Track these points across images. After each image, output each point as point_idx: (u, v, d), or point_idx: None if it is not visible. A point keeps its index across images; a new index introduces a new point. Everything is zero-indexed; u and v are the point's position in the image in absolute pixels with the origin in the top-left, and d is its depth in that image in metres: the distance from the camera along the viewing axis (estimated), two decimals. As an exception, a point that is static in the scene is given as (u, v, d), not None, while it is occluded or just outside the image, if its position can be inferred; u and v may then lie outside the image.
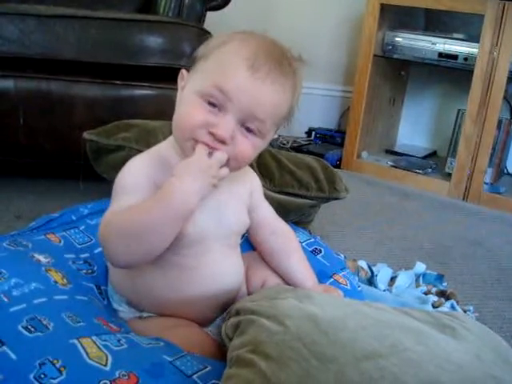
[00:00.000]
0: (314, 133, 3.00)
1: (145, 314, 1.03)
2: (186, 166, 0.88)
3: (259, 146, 0.95)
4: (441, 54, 2.47)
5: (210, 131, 0.88)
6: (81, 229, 1.24)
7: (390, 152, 2.87)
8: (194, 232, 0.95)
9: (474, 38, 2.39)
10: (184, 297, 0.99)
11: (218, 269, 1.02)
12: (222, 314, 1.05)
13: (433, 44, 2.49)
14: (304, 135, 3.04)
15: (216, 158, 0.89)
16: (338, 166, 2.65)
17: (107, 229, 0.90)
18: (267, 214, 1.14)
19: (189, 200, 0.87)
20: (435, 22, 2.70)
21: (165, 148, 1.00)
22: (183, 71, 0.98)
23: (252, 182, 1.10)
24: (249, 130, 0.91)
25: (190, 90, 0.93)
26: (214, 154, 0.89)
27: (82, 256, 1.16)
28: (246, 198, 1.07)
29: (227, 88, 0.88)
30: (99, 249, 1.19)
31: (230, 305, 1.02)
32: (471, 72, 2.35)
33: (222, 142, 0.89)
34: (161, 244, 0.89)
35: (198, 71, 0.94)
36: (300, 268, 1.13)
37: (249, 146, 0.92)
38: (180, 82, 0.98)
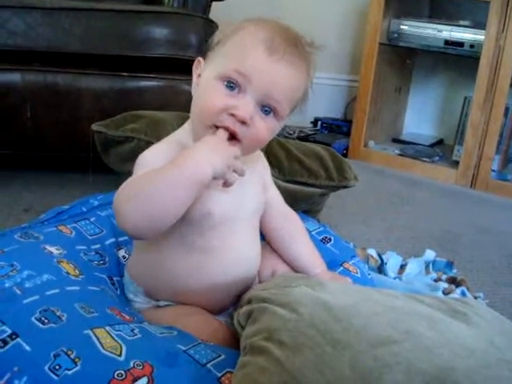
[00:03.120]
0: (320, 122, 3.00)
1: (161, 303, 1.03)
2: (204, 140, 0.90)
3: (275, 128, 0.96)
4: (447, 42, 2.46)
5: (231, 112, 0.89)
6: (91, 220, 1.24)
7: (397, 141, 2.86)
8: (220, 212, 0.96)
9: (480, 25, 2.37)
10: (205, 283, 1.00)
11: (242, 252, 1.03)
12: (235, 301, 1.06)
13: (439, 31, 2.47)
14: (310, 125, 3.03)
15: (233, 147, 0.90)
16: (344, 155, 2.64)
17: (121, 193, 0.89)
18: (275, 196, 1.15)
19: (201, 169, 0.86)
20: (440, 10, 2.69)
21: (182, 136, 1.01)
22: (200, 59, 0.99)
23: (264, 162, 1.12)
24: (266, 111, 0.92)
25: (208, 75, 0.94)
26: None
27: (94, 247, 1.16)
28: (262, 177, 1.09)
29: (246, 69, 0.89)
30: (110, 240, 1.20)
31: (244, 292, 1.03)
32: (477, 59, 2.34)
33: (243, 122, 0.90)
34: (172, 209, 0.88)
35: (216, 56, 0.95)
36: (308, 253, 1.14)
37: (265, 128, 0.93)
38: (195, 70, 0.99)
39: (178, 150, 0.95)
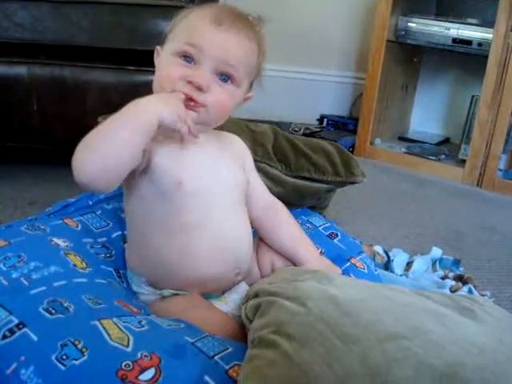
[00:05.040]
0: (326, 120, 2.99)
1: (165, 292, 1.02)
2: (157, 94, 0.98)
3: (235, 94, 1.02)
4: (455, 40, 2.44)
5: (188, 79, 0.95)
6: (97, 213, 1.23)
7: (403, 139, 2.85)
8: (192, 183, 0.99)
9: (488, 23, 2.36)
10: (195, 264, 1.01)
11: (225, 224, 1.04)
12: (237, 280, 1.07)
13: (446, 29, 2.46)
14: (316, 122, 3.02)
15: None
16: (350, 153, 2.63)
17: (76, 150, 0.91)
18: (257, 184, 1.16)
19: (148, 115, 0.90)
20: (447, 7, 2.68)
21: None
22: (158, 47, 1.05)
23: (243, 147, 1.16)
24: (224, 79, 0.99)
25: (165, 54, 1.01)
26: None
27: (100, 240, 1.16)
28: (239, 156, 1.12)
29: (197, 40, 0.96)
30: (117, 233, 1.20)
31: (244, 268, 1.07)
32: (486, 57, 2.32)
33: (200, 88, 0.95)
34: (123, 148, 0.90)
35: (170, 39, 1.02)
36: (291, 239, 1.14)
37: (225, 94, 0.99)
38: (156, 58, 1.05)
39: None
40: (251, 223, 1.14)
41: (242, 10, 1.03)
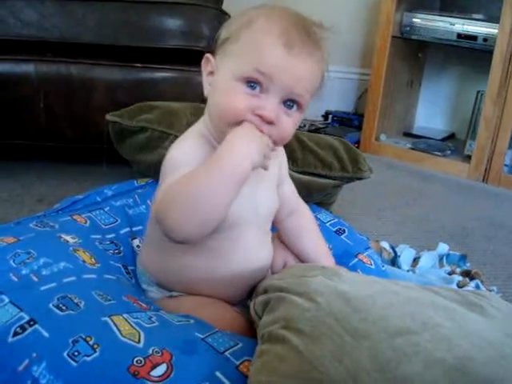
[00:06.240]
0: (331, 116, 2.99)
1: (175, 294, 1.03)
2: (237, 133, 0.87)
3: (299, 120, 0.95)
4: (460, 35, 2.44)
5: (257, 113, 0.88)
6: (106, 210, 1.24)
7: (409, 134, 2.85)
8: (231, 216, 0.93)
9: (493, 18, 2.36)
10: (214, 280, 1.00)
11: (250, 255, 1.02)
12: (248, 295, 1.05)
13: (451, 25, 2.46)
14: (321, 118, 3.02)
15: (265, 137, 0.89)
16: (356, 149, 2.64)
17: (164, 200, 0.88)
18: (288, 190, 1.12)
19: (240, 162, 0.85)
20: (452, 3, 2.67)
21: (203, 129, 0.98)
22: (208, 56, 0.96)
23: (281, 156, 1.09)
24: (289, 106, 0.91)
25: (225, 75, 0.91)
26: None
27: (108, 237, 1.16)
28: (276, 176, 1.06)
29: (267, 68, 0.87)
30: (125, 229, 1.21)
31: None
32: (491, 53, 2.32)
33: (270, 122, 0.88)
34: (218, 210, 0.86)
35: (230, 55, 0.92)
36: (313, 249, 1.12)
37: (291, 123, 0.92)
38: (205, 67, 0.96)
39: (205, 144, 0.94)
40: (277, 225, 1.13)
41: (306, 17, 0.94)
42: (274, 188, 1.06)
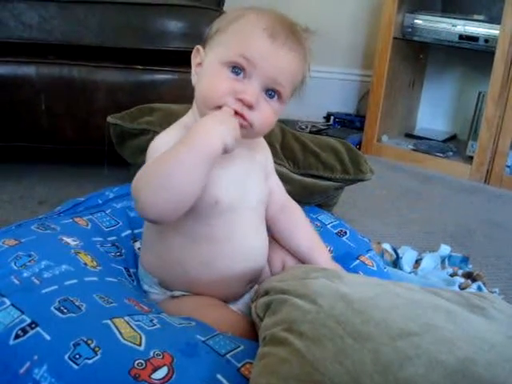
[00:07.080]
0: (332, 117, 2.99)
1: (176, 293, 1.03)
2: (210, 115, 0.91)
3: (279, 111, 0.98)
4: (461, 36, 2.44)
5: (238, 97, 0.92)
6: (107, 212, 1.24)
7: (410, 136, 2.85)
8: (226, 199, 0.98)
9: (494, 19, 2.36)
10: (214, 272, 1.01)
11: (248, 242, 1.04)
12: (248, 289, 1.07)
13: (453, 26, 2.46)
14: (323, 120, 3.02)
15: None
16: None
17: (138, 181, 0.90)
18: (275, 185, 1.15)
19: (211, 141, 0.88)
20: (454, 4, 2.67)
21: (189, 121, 1.02)
22: (199, 47, 1.00)
23: (266, 149, 1.13)
24: (270, 95, 0.95)
25: (212, 61, 0.95)
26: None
27: (110, 239, 1.16)
28: (264, 166, 1.10)
29: (251, 55, 0.91)
30: (126, 232, 1.21)
31: (255, 280, 1.06)
32: (492, 54, 2.32)
33: (250, 106, 0.92)
34: (188, 189, 0.88)
35: (218, 44, 0.96)
36: (306, 244, 1.13)
37: (271, 111, 0.96)
38: (194, 58, 1.01)
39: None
40: (267, 223, 1.13)
41: (292, 20, 0.98)
42: (263, 176, 1.09)
